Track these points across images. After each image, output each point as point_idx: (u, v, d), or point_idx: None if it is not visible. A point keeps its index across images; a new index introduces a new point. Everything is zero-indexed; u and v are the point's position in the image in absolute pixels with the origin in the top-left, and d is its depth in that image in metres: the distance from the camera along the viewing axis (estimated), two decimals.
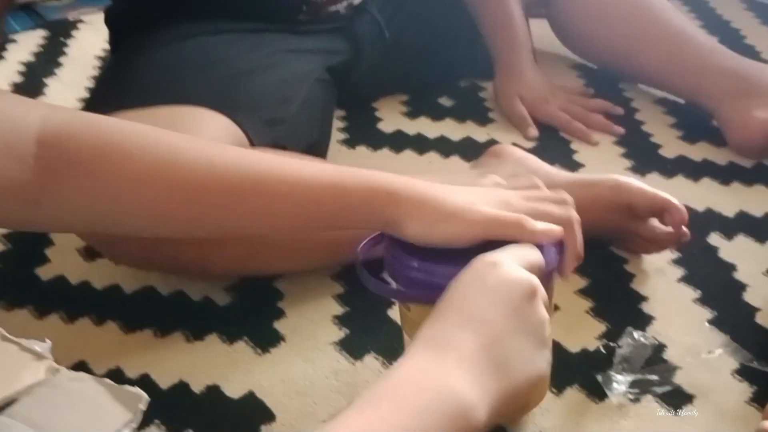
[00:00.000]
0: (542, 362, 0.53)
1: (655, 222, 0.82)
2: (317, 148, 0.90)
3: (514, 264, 0.53)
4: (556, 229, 0.59)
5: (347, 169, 0.60)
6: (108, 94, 0.87)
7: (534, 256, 0.56)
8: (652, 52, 1.07)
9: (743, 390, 0.69)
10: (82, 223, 0.62)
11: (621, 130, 1.05)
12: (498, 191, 0.63)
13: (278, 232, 0.63)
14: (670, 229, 0.80)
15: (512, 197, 0.61)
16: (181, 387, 0.68)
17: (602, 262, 0.83)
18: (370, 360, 0.71)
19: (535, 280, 0.53)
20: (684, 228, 0.80)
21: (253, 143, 0.78)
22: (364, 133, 1.06)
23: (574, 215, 0.62)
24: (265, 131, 0.81)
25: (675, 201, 0.79)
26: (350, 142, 1.04)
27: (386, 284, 0.62)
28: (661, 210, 0.80)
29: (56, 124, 0.55)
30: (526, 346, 0.51)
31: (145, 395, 0.47)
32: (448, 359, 0.48)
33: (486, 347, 0.49)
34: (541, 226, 0.58)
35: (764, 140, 0.97)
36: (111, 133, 0.57)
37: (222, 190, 0.57)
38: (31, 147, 0.53)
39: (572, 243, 0.61)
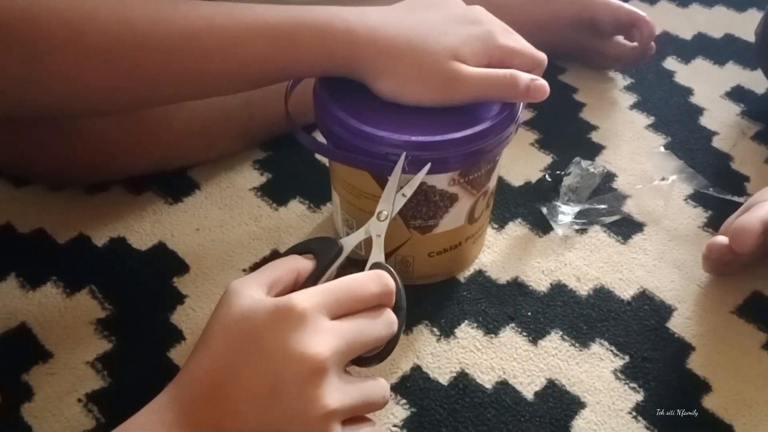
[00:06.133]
0: None
1: (619, 38, 0.76)
2: None
3: (318, 323, 0.40)
4: (547, 86, 0.51)
5: (288, 10, 0.49)
6: None
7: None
8: None
9: (697, 215, 0.65)
10: (17, 108, 0.51)
11: None
12: (473, 26, 0.52)
13: (217, 93, 0.53)
14: (635, 44, 0.75)
15: (491, 32, 0.51)
16: (81, 240, 0.61)
17: (550, 91, 0.76)
18: (295, 204, 0.65)
19: (323, 356, 0.39)
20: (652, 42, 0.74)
21: None
22: None
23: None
24: None
25: (642, 13, 0.73)
26: None
27: (316, 139, 0.53)
28: (628, 25, 0.73)
29: None
30: None
31: None
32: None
33: None
34: (530, 79, 0.50)
35: None
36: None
37: (143, 53, 0.47)
38: None
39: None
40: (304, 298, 0.40)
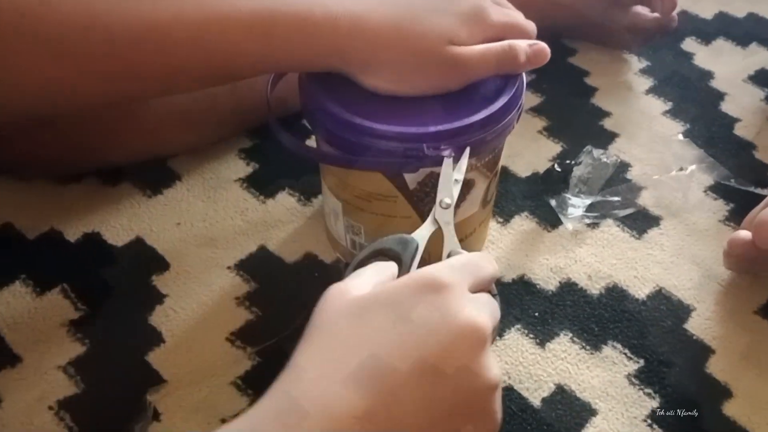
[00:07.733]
0: None
1: (639, 9, 0.74)
2: None
3: (466, 293, 0.37)
4: (547, 48, 0.49)
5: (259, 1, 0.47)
6: None
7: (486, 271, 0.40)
8: None
9: (718, 208, 0.63)
10: None
11: None
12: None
13: (188, 89, 0.52)
14: (656, 15, 0.72)
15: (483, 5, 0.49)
16: (52, 236, 0.59)
17: (559, 75, 0.74)
18: (284, 197, 0.62)
19: (487, 325, 0.36)
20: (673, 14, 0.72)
21: None
22: None
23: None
24: None
25: None
26: None
27: (303, 143, 0.50)
28: None
29: None
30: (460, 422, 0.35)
31: None
32: None
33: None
34: (528, 46, 0.49)
35: None
36: None
37: (104, 44, 0.43)
38: None
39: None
40: (442, 269, 0.37)
